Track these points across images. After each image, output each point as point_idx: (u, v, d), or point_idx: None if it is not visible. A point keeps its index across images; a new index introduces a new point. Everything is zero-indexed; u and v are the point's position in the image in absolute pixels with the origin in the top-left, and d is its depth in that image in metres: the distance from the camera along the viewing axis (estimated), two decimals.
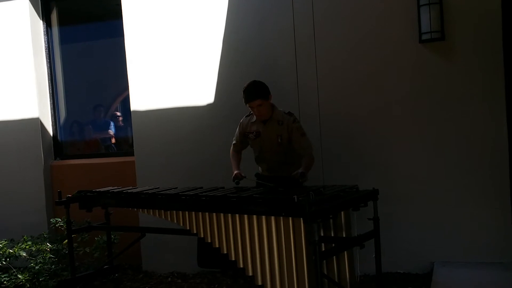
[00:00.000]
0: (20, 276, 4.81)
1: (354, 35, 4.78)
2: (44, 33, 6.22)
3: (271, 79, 4.43)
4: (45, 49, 6.23)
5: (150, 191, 4.04)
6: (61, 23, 6.33)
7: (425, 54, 4.58)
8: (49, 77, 6.25)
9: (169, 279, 5.21)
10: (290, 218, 3.15)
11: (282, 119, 4.13)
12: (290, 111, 4.23)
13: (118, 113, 6.33)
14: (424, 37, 4.49)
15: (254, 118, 4.24)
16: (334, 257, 3.55)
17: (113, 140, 6.38)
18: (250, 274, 3.40)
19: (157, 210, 3.92)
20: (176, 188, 4.10)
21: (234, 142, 4.43)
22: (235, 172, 4.23)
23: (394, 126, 4.73)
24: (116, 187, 4.50)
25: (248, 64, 5.08)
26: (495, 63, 4.43)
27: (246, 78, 4.95)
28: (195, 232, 3.70)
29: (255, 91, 4.05)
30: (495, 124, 4.46)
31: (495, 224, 4.49)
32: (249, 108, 4.15)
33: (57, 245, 5.17)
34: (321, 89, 4.84)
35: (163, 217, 3.90)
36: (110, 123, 6.35)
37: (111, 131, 6.35)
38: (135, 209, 4.14)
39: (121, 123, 6.32)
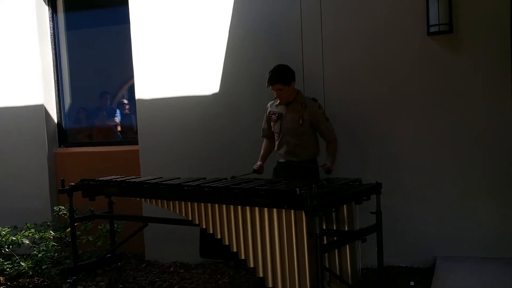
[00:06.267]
0: (23, 264, 4.84)
1: (362, 26, 4.73)
2: (49, 19, 6.18)
3: None
4: (51, 35, 6.19)
5: (152, 181, 4.04)
6: (67, 9, 6.29)
7: (432, 46, 4.53)
8: (54, 64, 6.21)
9: (172, 268, 5.21)
10: (292, 210, 3.16)
11: (305, 102, 4.27)
12: (314, 97, 4.37)
13: (125, 101, 6.29)
14: (432, 29, 4.45)
15: (278, 101, 4.35)
16: (336, 250, 3.54)
17: (119, 128, 6.35)
18: (252, 265, 3.42)
19: (159, 200, 3.94)
20: (179, 178, 4.10)
21: (262, 127, 4.53)
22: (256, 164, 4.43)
23: (400, 119, 4.69)
24: (119, 176, 4.50)
25: (254, 53, 5.05)
26: (503, 56, 4.37)
27: (251, 67, 4.98)
28: (197, 222, 3.71)
29: (276, 76, 4.17)
30: (501, 118, 4.41)
31: (498, 220, 4.46)
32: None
33: (60, 233, 5.20)
34: (327, 79, 4.80)
35: (165, 207, 3.92)
36: (116, 111, 6.32)
37: (117, 119, 6.32)
38: (138, 199, 4.15)
39: (127, 111, 6.29)
